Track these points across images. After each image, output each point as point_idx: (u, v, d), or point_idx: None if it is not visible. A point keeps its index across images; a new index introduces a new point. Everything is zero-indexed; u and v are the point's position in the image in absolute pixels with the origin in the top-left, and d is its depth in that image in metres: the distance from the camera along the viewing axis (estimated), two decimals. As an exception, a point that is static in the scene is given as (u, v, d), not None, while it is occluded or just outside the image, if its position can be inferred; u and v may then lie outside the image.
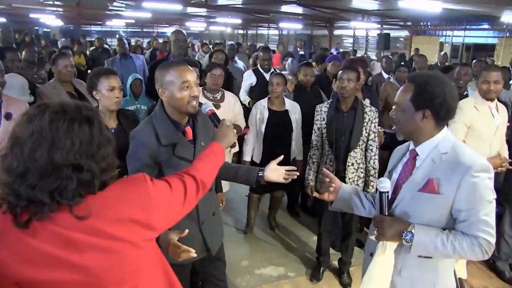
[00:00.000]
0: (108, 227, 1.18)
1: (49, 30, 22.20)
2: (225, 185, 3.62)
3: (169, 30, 28.09)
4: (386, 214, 1.79)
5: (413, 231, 1.69)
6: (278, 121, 3.94)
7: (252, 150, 4.07)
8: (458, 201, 1.66)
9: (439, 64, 7.30)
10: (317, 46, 17.40)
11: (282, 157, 2.24)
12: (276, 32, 25.93)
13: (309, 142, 3.62)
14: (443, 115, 1.73)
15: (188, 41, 7.71)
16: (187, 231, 1.82)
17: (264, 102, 3.98)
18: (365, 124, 3.32)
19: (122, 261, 1.23)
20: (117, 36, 10.89)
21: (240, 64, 6.76)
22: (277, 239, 4.34)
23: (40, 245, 1.14)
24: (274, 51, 9.54)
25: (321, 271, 3.67)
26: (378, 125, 3.47)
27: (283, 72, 4.38)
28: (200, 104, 2.10)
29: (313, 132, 3.54)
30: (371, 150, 3.38)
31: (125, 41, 6.39)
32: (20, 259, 1.14)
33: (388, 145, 4.09)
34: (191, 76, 1.99)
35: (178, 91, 1.97)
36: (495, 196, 1.68)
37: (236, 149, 3.65)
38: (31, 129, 1.13)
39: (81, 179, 1.15)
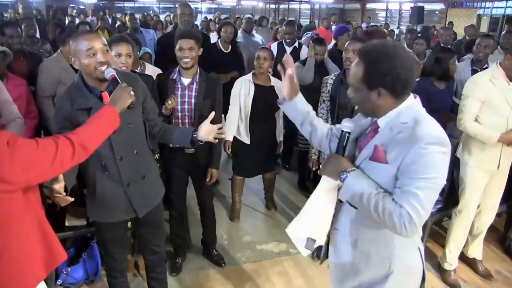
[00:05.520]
0: None
1: (83, 7, 22.51)
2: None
3: (201, 6, 27.96)
4: (341, 154, 1.74)
5: (349, 172, 1.65)
6: (265, 97, 3.71)
7: (235, 129, 3.82)
8: (400, 169, 1.56)
9: (467, 37, 6.89)
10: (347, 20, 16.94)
11: (213, 113, 2.33)
12: (308, 6, 25.41)
13: None
14: (399, 90, 1.60)
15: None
16: (62, 183, 1.90)
17: (249, 77, 3.77)
18: None
19: None
20: (128, 12, 10.95)
21: (258, 37, 6.63)
22: (284, 215, 4.28)
23: None
24: (301, 26, 9.32)
25: (323, 249, 3.59)
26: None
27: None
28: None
29: (319, 104, 3.43)
30: None
31: (136, 16, 6.38)
32: None
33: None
34: (97, 43, 2.04)
35: (84, 58, 2.03)
36: (441, 175, 1.54)
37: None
38: None
39: None
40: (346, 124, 1.75)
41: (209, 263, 3.45)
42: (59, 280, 3.04)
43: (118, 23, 10.71)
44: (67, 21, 10.00)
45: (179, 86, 3.00)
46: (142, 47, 4.73)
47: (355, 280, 1.83)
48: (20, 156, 1.45)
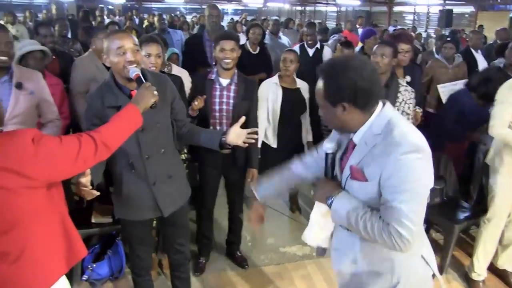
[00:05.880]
0: None
1: (112, 7, 22.89)
2: None
3: (227, 7, 28.07)
4: (330, 176, 1.73)
5: (334, 197, 1.63)
6: (293, 100, 3.67)
7: (263, 133, 3.70)
8: (381, 184, 1.52)
9: (498, 41, 6.72)
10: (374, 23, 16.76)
11: (243, 118, 2.34)
12: (335, 9, 25.27)
13: None
14: (363, 101, 1.55)
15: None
16: (89, 177, 1.95)
17: (275, 80, 3.69)
18: (398, 104, 3.10)
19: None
20: (156, 13, 11.10)
21: (284, 39, 6.65)
22: (308, 218, 4.20)
23: None
24: (327, 29, 9.29)
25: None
26: (416, 105, 3.26)
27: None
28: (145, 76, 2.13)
29: None
30: None
31: (164, 17, 6.44)
32: None
33: (430, 126, 3.87)
34: (127, 42, 2.08)
35: (114, 56, 2.08)
36: (423, 182, 1.50)
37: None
38: None
39: None
40: (328, 146, 1.74)
41: (232, 264, 3.45)
42: (84, 276, 3.10)
43: (146, 23, 10.86)
44: (95, 22, 10.16)
45: (218, 86, 3.02)
46: (170, 47, 4.78)
47: None
48: (44, 153, 1.48)
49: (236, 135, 2.27)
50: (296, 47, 5.29)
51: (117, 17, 13.13)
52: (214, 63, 4.36)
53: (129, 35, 2.14)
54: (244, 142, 2.30)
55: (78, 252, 1.77)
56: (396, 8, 20.34)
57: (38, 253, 1.59)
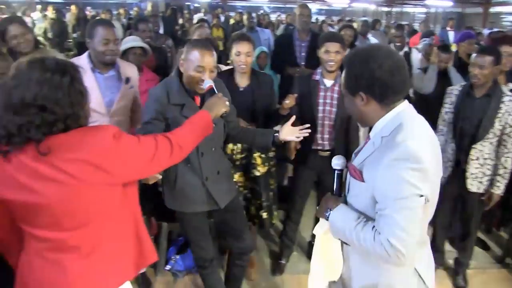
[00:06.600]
0: (63, 164, 1.39)
1: (199, 5, 23.60)
2: None
3: (311, 7, 27.87)
4: (337, 193, 1.73)
5: (332, 210, 1.62)
6: None
7: None
8: (375, 190, 1.48)
9: None
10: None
11: (294, 117, 2.44)
12: (423, 10, 24.21)
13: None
14: (379, 93, 1.51)
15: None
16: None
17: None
18: (500, 115, 2.87)
19: (74, 196, 1.42)
20: (243, 11, 11.24)
21: (372, 41, 6.46)
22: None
23: (14, 172, 1.40)
24: (415, 31, 8.92)
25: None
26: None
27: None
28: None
29: (440, 115, 3.22)
30: (505, 146, 2.93)
31: (253, 15, 6.50)
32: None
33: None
34: (208, 62, 2.18)
35: (192, 70, 2.19)
36: (418, 191, 1.40)
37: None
38: (15, 73, 1.41)
39: (45, 119, 1.37)
40: (336, 162, 1.74)
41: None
42: (168, 266, 3.21)
43: (232, 21, 11.03)
44: (183, 19, 10.49)
45: (322, 87, 3.02)
46: (258, 46, 4.82)
47: None
48: (124, 150, 1.49)
49: (290, 131, 2.38)
50: (384, 49, 5.10)
51: (203, 15, 13.45)
52: (303, 63, 4.36)
53: (211, 53, 2.21)
54: (297, 137, 2.38)
55: (148, 256, 1.74)
56: (494, 9, 19.03)
57: (109, 252, 1.58)
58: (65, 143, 1.40)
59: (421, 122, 1.58)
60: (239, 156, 2.99)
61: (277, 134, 2.40)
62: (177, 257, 3.21)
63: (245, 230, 2.69)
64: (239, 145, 2.98)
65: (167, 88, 2.29)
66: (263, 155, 3.02)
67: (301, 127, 2.38)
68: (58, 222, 1.46)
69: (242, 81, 2.96)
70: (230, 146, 2.96)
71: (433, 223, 3.37)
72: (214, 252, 2.76)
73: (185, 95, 2.28)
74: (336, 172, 1.75)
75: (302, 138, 2.40)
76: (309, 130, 2.40)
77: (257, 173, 3.02)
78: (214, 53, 2.24)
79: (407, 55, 5.03)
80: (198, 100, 2.32)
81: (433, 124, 3.30)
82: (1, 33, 2.95)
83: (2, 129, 1.37)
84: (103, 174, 1.44)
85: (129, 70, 2.89)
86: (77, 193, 1.42)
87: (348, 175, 1.68)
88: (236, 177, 3.00)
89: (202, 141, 2.19)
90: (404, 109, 1.56)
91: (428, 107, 3.82)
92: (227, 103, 2.05)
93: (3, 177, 1.41)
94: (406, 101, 1.59)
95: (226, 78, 2.90)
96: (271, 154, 3.09)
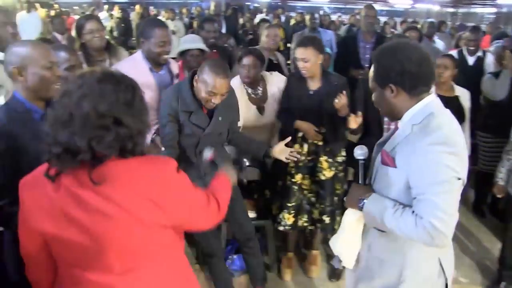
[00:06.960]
0: (117, 196, 1.24)
1: (258, 5, 23.77)
2: None
3: (372, 7, 27.28)
4: (363, 183, 1.75)
5: (365, 200, 1.63)
6: (449, 108, 3.34)
7: None
8: (410, 176, 1.51)
9: None
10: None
11: (289, 138, 2.59)
12: (493, 10, 23.03)
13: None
14: (409, 84, 1.57)
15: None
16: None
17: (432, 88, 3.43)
18: None
19: (125, 233, 1.26)
20: (301, 11, 11.18)
21: (439, 43, 6.21)
22: (453, 239, 3.90)
23: (59, 200, 1.24)
24: (484, 33, 8.51)
25: (501, 286, 3.20)
26: None
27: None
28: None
29: None
30: None
31: (316, 16, 6.44)
32: (41, 210, 1.27)
33: None
34: (220, 88, 2.28)
35: (204, 93, 2.30)
36: (454, 174, 1.45)
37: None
38: (81, 82, 1.23)
39: (119, 133, 1.22)
40: (358, 152, 1.78)
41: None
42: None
43: (293, 21, 11.00)
44: (244, 19, 10.57)
45: None
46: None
47: (368, 286, 1.78)
48: (179, 188, 1.36)
49: (280, 151, 2.55)
50: (454, 53, 4.87)
51: (264, 15, 13.51)
52: (366, 65, 4.26)
53: (225, 77, 2.29)
54: (287, 159, 2.54)
55: None
56: None
57: None
58: (125, 171, 1.26)
59: (449, 113, 1.65)
60: (303, 158, 2.97)
61: (269, 149, 2.58)
62: (234, 257, 3.22)
63: (246, 217, 2.82)
64: (305, 147, 2.97)
65: (178, 93, 2.42)
66: (330, 160, 2.99)
67: (293, 149, 2.59)
68: (107, 264, 1.29)
69: (313, 84, 2.96)
70: (296, 147, 2.96)
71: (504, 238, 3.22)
72: (219, 242, 2.90)
73: (195, 103, 2.40)
74: (360, 162, 1.78)
75: (290, 160, 2.57)
76: (299, 156, 2.63)
77: (323, 177, 2.99)
78: (229, 75, 2.34)
79: (481, 60, 4.76)
80: (204, 109, 2.45)
81: (506, 132, 3.16)
82: (79, 29, 3.14)
83: (56, 145, 1.20)
84: (159, 211, 1.29)
85: (174, 66, 3.00)
86: (128, 230, 1.26)
87: (376, 164, 1.71)
88: (299, 179, 2.99)
89: (202, 142, 2.44)
90: (433, 100, 1.62)
91: (501, 114, 3.64)
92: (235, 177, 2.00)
93: (49, 207, 1.26)
94: (433, 94, 1.65)
95: (298, 80, 2.94)
96: (339, 158, 3.04)
